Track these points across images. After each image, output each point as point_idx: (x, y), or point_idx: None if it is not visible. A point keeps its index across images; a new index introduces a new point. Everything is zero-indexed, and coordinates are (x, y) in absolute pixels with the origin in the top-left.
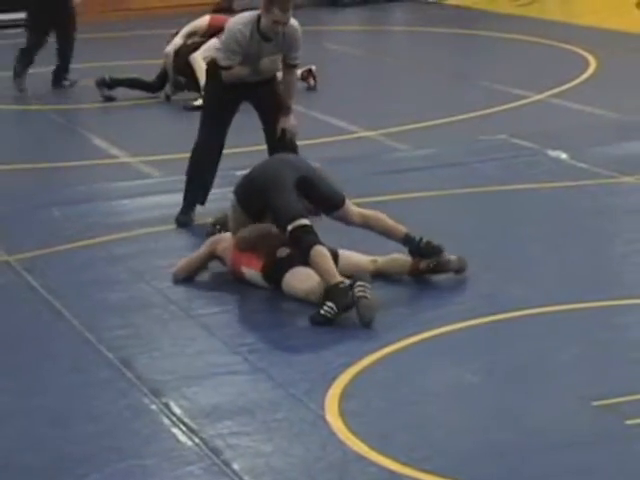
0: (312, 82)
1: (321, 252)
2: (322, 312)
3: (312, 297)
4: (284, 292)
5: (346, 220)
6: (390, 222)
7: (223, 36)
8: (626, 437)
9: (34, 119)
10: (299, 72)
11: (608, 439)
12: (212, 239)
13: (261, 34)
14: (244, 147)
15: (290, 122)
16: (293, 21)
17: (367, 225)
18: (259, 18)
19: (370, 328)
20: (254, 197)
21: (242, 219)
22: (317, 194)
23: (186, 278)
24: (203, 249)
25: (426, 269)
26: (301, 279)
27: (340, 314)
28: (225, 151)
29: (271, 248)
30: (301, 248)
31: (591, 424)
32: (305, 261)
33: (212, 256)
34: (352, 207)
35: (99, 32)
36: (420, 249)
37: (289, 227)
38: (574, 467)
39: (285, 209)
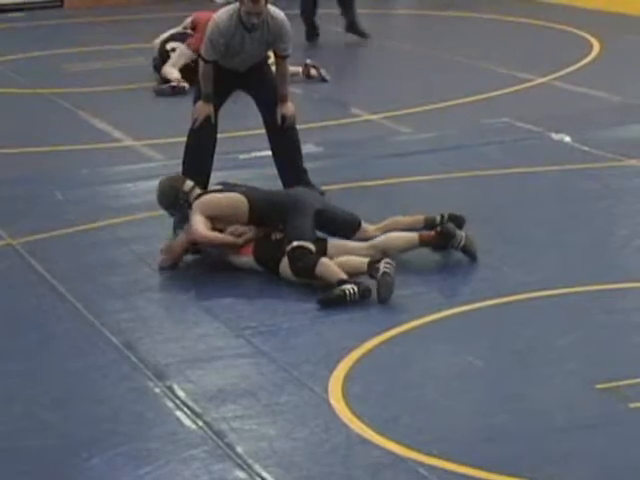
0: (317, 73)
1: (325, 262)
2: (342, 288)
3: (314, 281)
4: (281, 276)
5: (366, 238)
6: (407, 219)
7: (208, 29)
8: (629, 420)
9: (37, 102)
10: (300, 70)
11: (612, 422)
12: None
13: (244, 25)
14: (249, 130)
15: (288, 109)
16: (278, 13)
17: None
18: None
19: (385, 305)
20: (272, 210)
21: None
22: (335, 224)
23: (171, 266)
24: (184, 236)
25: (435, 236)
26: None
27: (356, 297)
28: (230, 134)
29: (262, 232)
30: (303, 263)
31: (594, 407)
32: (309, 274)
33: (194, 242)
34: (367, 226)
35: (99, 16)
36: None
37: (296, 243)
38: (578, 450)
39: (300, 229)
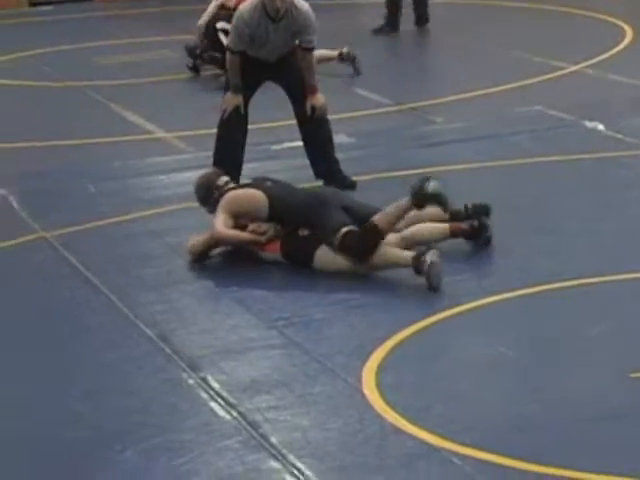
0: (351, 62)
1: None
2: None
3: (360, 269)
4: (315, 268)
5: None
6: (430, 211)
7: (233, 20)
8: None
9: (68, 95)
10: (335, 55)
11: None
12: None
13: (268, 15)
14: (280, 121)
15: (318, 100)
16: (303, 3)
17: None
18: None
19: (437, 291)
20: (294, 209)
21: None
22: (359, 220)
23: (202, 254)
24: (208, 234)
25: (469, 229)
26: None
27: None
28: (261, 125)
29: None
30: (360, 246)
31: (627, 396)
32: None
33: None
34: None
35: (130, 8)
36: (469, 215)
37: (344, 229)
38: (610, 440)
39: (338, 219)
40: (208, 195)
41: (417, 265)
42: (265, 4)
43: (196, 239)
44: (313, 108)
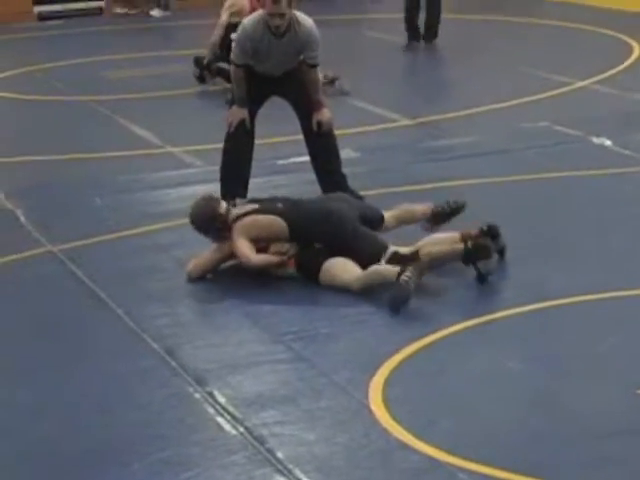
0: (335, 84)
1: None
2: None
3: (353, 287)
4: (321, 282)
5: (386, 229)
6: (418, 207)
7: (236, 34)
8: None
9: (77, 109)
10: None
11: None
12: (222, 246)
13: (271, 31)
14: (287, 136)
15: (324, 115)
16: (306, 19)
17: (401, 222)
18: None
19: (487, 282)
20: (312, 229)
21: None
22: (368, 224)
23: (200, 277)
24: (219, 250)
25: (478, 233)
26: (345, 269)
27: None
28: (268, 140)
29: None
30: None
31: (635, 412)
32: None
33: (230, 256)
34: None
35: (138, 23)
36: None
37: (388, 252)
38: (618, 455)
39: (373, 244)
40: (210, 224)
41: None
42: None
43: (196, 262)
44: (319, 123)
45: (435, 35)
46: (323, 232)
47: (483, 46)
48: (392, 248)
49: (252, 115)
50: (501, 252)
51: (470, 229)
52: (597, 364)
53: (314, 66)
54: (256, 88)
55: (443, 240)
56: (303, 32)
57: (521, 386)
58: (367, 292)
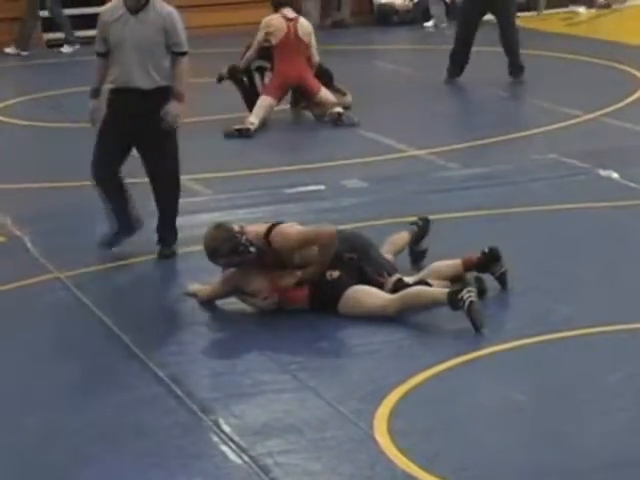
0: (350, 119)
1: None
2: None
3: (390, 310)
4: (342, 310)
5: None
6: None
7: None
8: None
9: (86, 136)
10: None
11: None
12: (232, 275)
13: (127, 6)
14: (294, 165)
15: (175, 108)
16: (170, 7)
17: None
18: None
19: (482, 332)
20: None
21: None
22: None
23: (204, 303)
24: (222, 285)
25: (481, 257)
26: (371, 294)
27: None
28: (276, 169)
29: (315, 275)
30: None
31: None
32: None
33: (237, 291)
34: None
35: None
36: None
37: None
38: None
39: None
40: (235, 244)
41: (454, 303)
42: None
43: (202, 288)
44: (165, 114)
45: (521, 68)
46: (346, 239)
47: (492, 78)
48: (397, 275)
49: (113, 154)
50: (502, 276)
51: (472, 254)
52: (604, 397)
53: (183, 54)
54: (114, 123)
55: (445, 269)
56: (164, 12)
57: (527, 418)
58: (403, 314)
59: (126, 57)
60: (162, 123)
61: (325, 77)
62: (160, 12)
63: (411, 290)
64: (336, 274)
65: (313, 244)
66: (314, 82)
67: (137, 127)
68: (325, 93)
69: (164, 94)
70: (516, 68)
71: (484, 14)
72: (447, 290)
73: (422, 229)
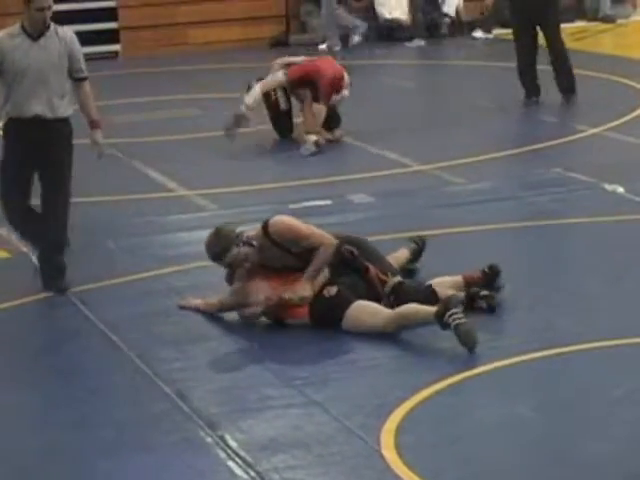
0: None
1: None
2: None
3: (389, 329)
4: (345, 327)
5: None
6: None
7: None
8: None
9: (90, 152)
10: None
11: None
12: (240, 287)
13: (27, 33)
14: (298, 180)
15: (99, 136)
16: (68, 29)
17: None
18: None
19: (474, 352)
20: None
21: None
22: None
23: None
24: (231, 297)
25: (481, 275)
26: (371, 313)
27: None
28: (279, 184)
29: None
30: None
31: None
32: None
33: (239, 306)
34: None
35: (154, 66)
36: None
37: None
38: None
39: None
40: (236, 239)
41: (441, 323)
42: (24, 23)
43: (212, 305)
44: (95, 143)
45: (573, 90)
46: (351, 241)
47: (496, 93)
48: (399, 278)
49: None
50: (497, 289)
51: (473, 271)
52: (608, 411)
53: (84, 79)
54: (16, 152)
55: (447, 285)
56: (67, 37)
57: (533, 433)
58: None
59: (27, 85)
60: (97, 154)
61: (333, 121)
62: (63, 37)
63: (405, 309)
64: (334, 290)
65: (312, 246)
66: (327, 89)
67: (39, 157)
68: (319, 112)
69: (65, 122)
70: (569, 89)
71: (534, 23)
72: (434, 310)
73: (419, 248)
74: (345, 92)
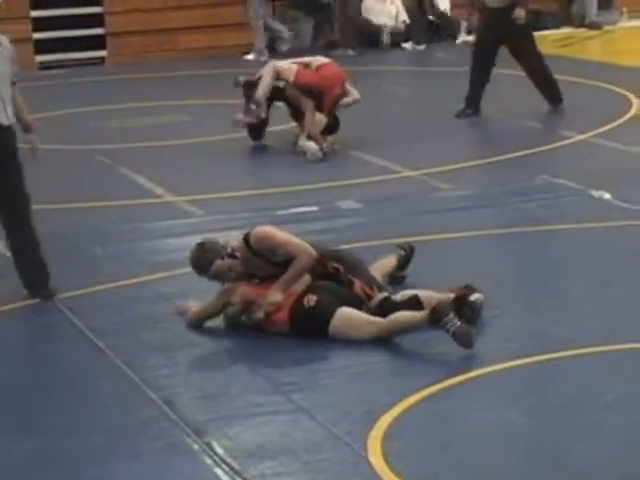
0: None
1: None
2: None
3: (383, 333)
4: (332, 336)
5: None
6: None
7: None
8: None
9: (79, 159)
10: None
11: None
12: (226, 288)
13: None
14: (286, 187)
15: (36, 139)
16: (4, 38)
17: None
18: None
19: (472, 349)
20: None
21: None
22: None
23: (197, 324)
24: (216, 298)
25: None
26: (359, 322)
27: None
28: (267, 191)
29: (292, 299)
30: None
31: (638, 466)
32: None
33: (227, 305)
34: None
35: (140, 72)
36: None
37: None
38: None
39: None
40: (219, 252)
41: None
42: None
43: (200, 308)
44: (35, 148)
45: (560, 100)
46: (336, 256)
47: (484, 99)
48: (385, 293)
49: None
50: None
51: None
52: (598, 417)
53: (15, 83)
54: None
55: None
56: (8, 43)
57: (523, 439)
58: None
59: None
60: (33, 155)
61: (334, 124)
62: (6, 44)
63: (397, 317)
64: (314, 300)
65: (290, 255)
66: (331, 105)
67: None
68: (320, 121)
69: (13, 128)
70: (556, 99)
71: (501, 42)
72: (427, 313)
73: (408, 256)
74: (348, 99)
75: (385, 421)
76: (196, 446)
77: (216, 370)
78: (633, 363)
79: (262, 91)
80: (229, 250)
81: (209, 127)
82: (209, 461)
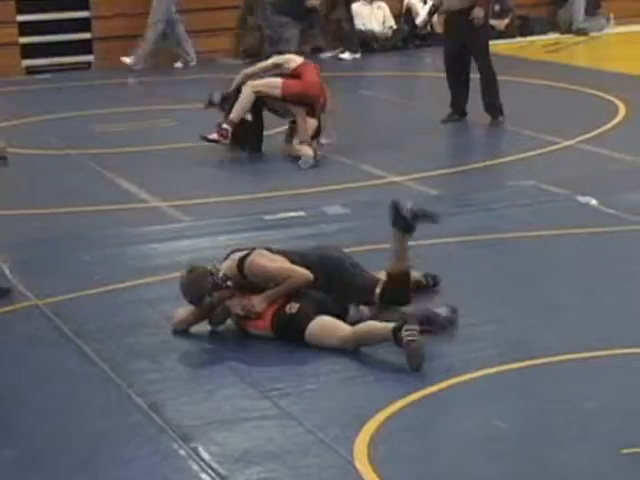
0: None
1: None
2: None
3: (348, 346)
4: (309, 343)
5: None
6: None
7: None
8: None
9: (66, 163)
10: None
11: None
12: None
13: None
14: (273, 191)
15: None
16: None
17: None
18: None
19: (419, 372)
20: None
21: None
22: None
23: (184, 330)
24: (202, 304)
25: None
26: (330, 331)
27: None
28: (254, 195)
29: (276, 306)
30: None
31: (620, 473)
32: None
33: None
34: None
35: (126, 77)
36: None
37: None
38: None
39: (362, 281)
40: (212, 282)
41: (396, 340)
42: None
43: (180, 315)
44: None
45: (500, 112)
46: (324, 269)
47: (470, 105)
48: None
49: None
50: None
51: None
52: (583, 423)
53: None
54: None
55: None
56: None
57: (508, 445)
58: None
59: None
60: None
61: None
62: None
63: (363, 327)
64: (295, 307)
65: (286, 280)
66: (321, 109)
67: None
68: (311, 126)
69: None
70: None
71: (463, 44)
72: (391, 327)
73: (427, 287)
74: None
75: (372, 427)
76: (182, 452)
77: (203, 375)
78: (617, 370)
79: (237, 115)
80: (221, 275)
81: (195, 132)
82: (195, 467)
